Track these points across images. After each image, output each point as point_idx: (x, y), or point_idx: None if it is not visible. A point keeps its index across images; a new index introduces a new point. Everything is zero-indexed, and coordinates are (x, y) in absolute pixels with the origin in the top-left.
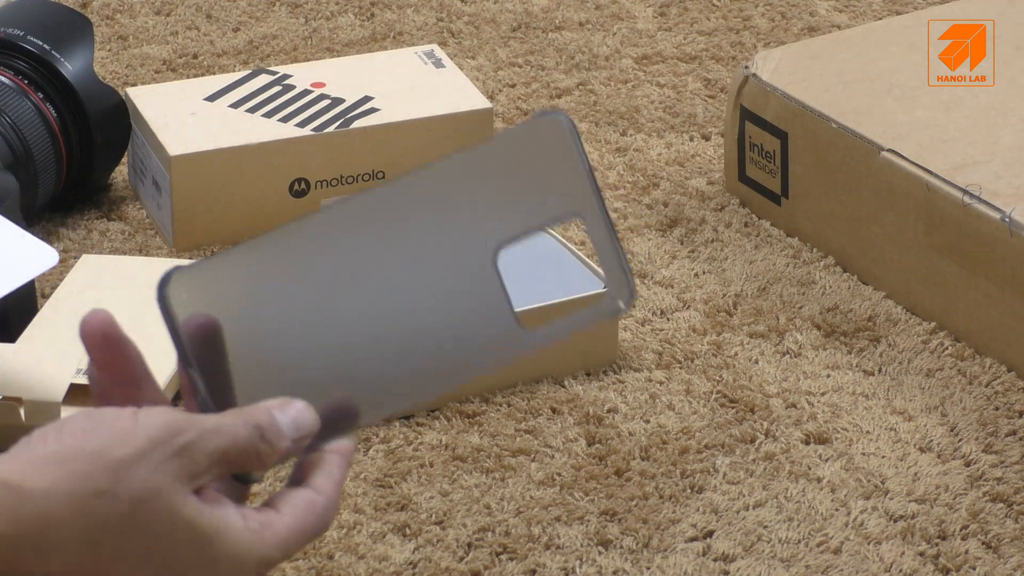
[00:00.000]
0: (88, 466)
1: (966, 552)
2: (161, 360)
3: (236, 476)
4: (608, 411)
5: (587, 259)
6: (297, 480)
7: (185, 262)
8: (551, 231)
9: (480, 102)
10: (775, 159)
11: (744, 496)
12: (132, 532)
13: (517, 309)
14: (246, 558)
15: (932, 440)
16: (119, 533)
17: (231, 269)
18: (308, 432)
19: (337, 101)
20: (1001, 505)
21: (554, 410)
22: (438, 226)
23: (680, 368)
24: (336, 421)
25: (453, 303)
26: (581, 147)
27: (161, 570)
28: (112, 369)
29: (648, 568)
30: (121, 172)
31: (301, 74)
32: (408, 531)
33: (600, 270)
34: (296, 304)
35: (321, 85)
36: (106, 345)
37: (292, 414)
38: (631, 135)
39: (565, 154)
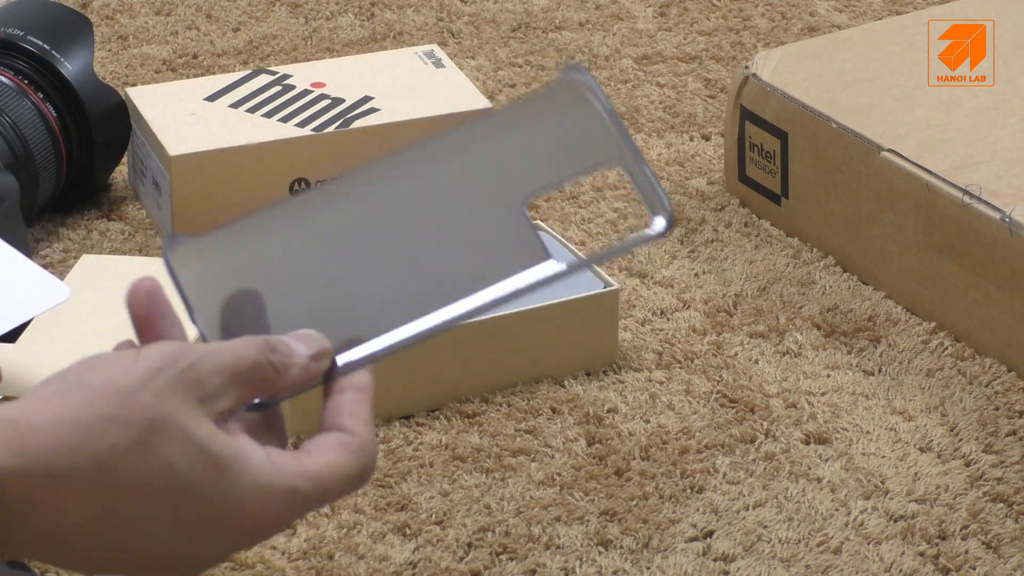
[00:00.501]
0: (92, 395)
1: (966, 552)
2: None
3: (259, 405)
4: (608, 411)
5: (587, 259)
6: (322, 428)
7: None
8: (551, 231)
9: (480, 102)
10: (775, 159)
11: (744, 496)
12: (145, 458)
13: (516, 309)
14: (271, 487)
15: (932, 440)
16: (131, 459)
17: (238, 231)
18: (320, 349)
19: (337, 101)
20: (1001, 505)
21: (554, 410)
22: (465, 179)
23: (680, 368)
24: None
25: (480, 241)
26: (603, 96)
27: (179, 499)
28: (151, 328)
29: (648, 568)
30: (121, 172)
31: (301, 74)
32: (408, 531)
33: (600, 270)
34: (306, 254)
35: (321, 85)
36: (151, 302)
37: (301, 337)
38: (631, 135)
39: (588, 107)
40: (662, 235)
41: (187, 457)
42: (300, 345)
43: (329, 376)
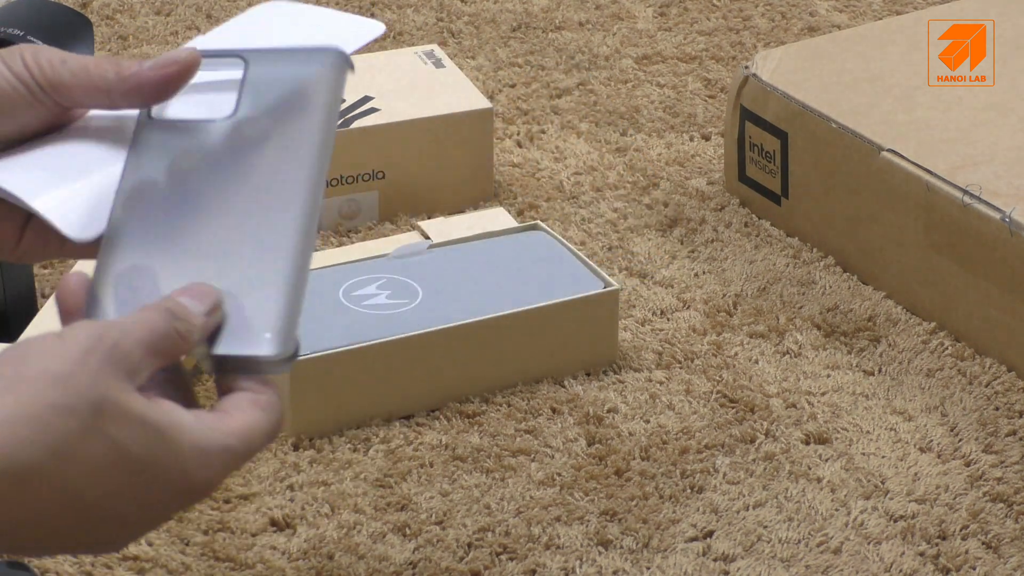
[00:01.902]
0: (34, 387)
1: (966, 552)
2: None
3: (174, 371)
4: (608, 411)
5: (587, 259)
6: (224, 392)
7: None
8: (551, 231)
9: (480, 102)
10: (775, 159)
11: (744, 496)
12: (95, 440)
13: (516, 309)
14: (208, 448)
15: (932, 440)
16: (84, 444)
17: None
18: (212, 303)
19: None
20: (1001, 505)
21: (554, 410)
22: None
23: (680, 368)
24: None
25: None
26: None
27: (132, 475)
28: (78, 315)
29: (648, 568)
30: None
31: None
32: (408, 531)
33: (600, 270)
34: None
35: None
36: (80, 292)
37: (193, 292)
38: (631, 135)
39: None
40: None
41: (131, 432)
42: (195, 303)
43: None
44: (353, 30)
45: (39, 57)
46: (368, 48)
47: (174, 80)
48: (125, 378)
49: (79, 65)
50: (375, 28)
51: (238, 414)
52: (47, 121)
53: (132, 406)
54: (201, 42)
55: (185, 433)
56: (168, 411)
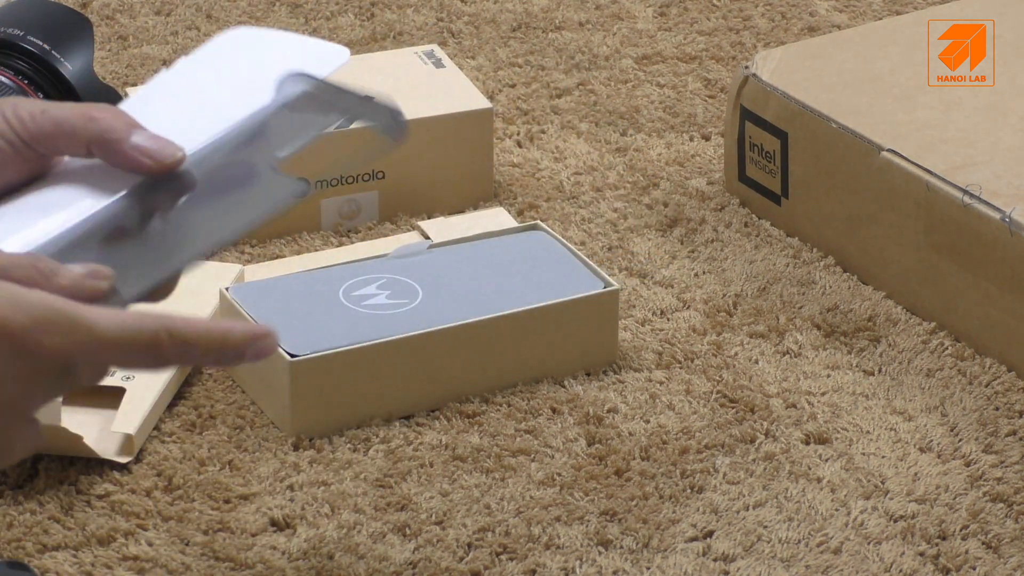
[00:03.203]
0: None
1: (966, 552)
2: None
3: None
4: (608, 411)
5: (587, 259)
6: None
7: None
8: (551, 231)
9: (480, 102)
10: (775, 159)
11: (744, 496)
12: None
13: (516, 309)
14: (28, 299)
15: (932, 440)
16: None
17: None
18: (96, 269)
19: None
20: (1001, 505)
21: (554, 410)
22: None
23: (680, 368)
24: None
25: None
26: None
27: None
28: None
29: (648, 568)
30: None
31: None
32: (408, 531)
33: (600, 270)
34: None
35: None
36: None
37: (82, 264)
38: (631, 135)
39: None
40: (398, 142)
41: None
42: (76, 266)
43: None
44: (319, 56)
45: (19, 111)
46: (368, 48)
47: (147, 171)
48: None
49: (61, 115)
50: (341, 55)
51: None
52: (29, 172)
53: None
54: (171, 73)
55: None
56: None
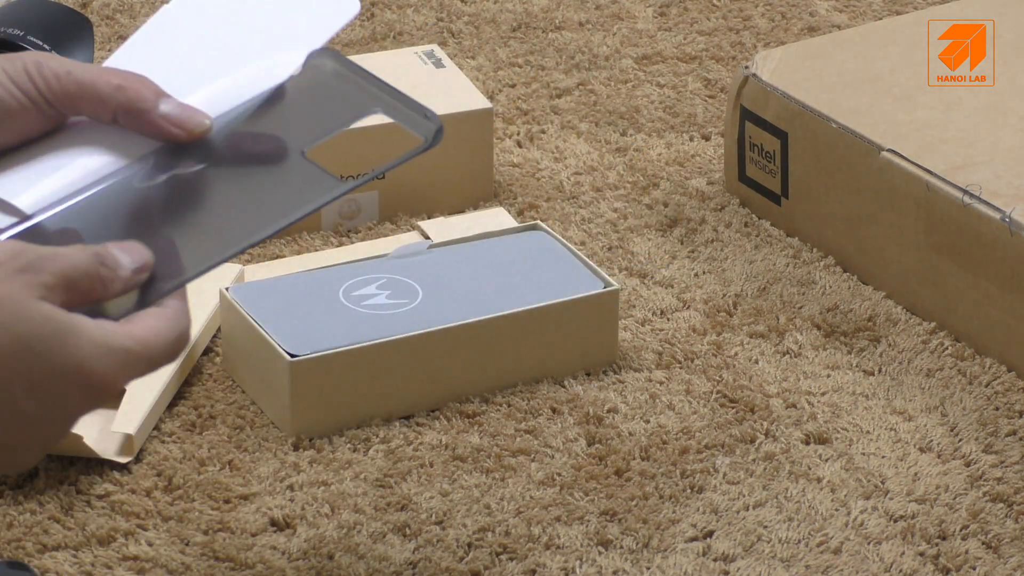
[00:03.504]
0: None
1: (966, 552)
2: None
3: (89, 311)
4: (608, 411)
5: (587, 259)
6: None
7: None
8: (551, 231)
9: (480, 102)
10: (775, 159)
11: (744, 496)
12: None
13: (516, 309)
14: (107, 347)
15: (932, 440)
16: None
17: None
18: (143, 262)
19: None
20: (1001, 505)
21: (554, 410)
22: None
23: (680, 368)
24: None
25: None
26: (345, 59)
27: (28, 360)
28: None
29: (648, 568)
30: None
31: None
32: (408, 531)
33: (600, 270)
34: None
35: None
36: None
37: (126, 247)
38: (631, 135)
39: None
40: (430, 146)
41: (29, 324)
42: (125, 256)
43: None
44: (329, 9)
45: (43, 70)
46: (368, 48)
47: (174, 139)
48: (33, 291)
49: (87, 79)
50: (351, 7)
51: (139, 321)
52: (44, 127)
53: (33, 306)
54: (168, 15)
55: (85, 331)
56: (71, 317)
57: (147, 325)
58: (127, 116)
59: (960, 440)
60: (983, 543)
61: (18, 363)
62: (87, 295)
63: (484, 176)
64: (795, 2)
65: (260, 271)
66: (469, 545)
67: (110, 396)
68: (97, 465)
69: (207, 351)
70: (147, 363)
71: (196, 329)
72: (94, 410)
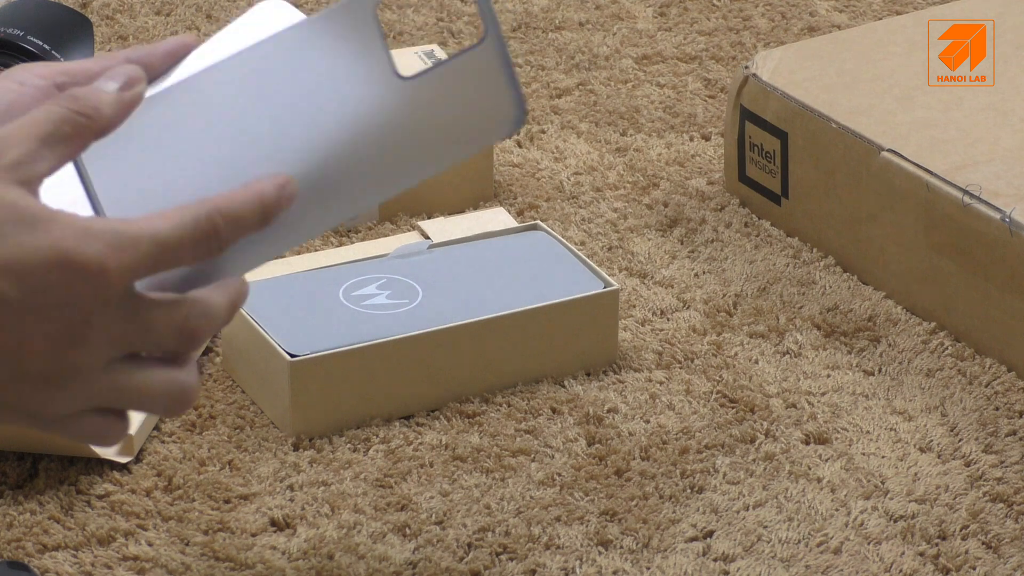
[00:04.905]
0: None
1: (966, 552)
2: None
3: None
4: (608, 411)
5: (587, 259)
6: None
7: None
8: (551, 231)
9: None
10: (775, 159)
11: (744, 496)
12: None
13: (516, 309)
14: (91, 227)
15: (932, 440)
16: None
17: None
18: (128, 77)
19: None
20: (1001, 505)
21: (554, 410)
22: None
23: (680, 368)
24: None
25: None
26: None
27: (13, 260)
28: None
29: (648, 568)
30: None
31: None
32: (408, 531)
33: (600, 270)
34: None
35: None
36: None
37: (109, 73)
38: (631, 135)
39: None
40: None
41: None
42: (106, 81)
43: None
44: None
45: (49, 65)
46: None
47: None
48: (5, 173)
49: (82, 64)
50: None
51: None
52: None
53: (5, 192)
54: (203, 49)
55: (62, 216)
56: (53, 210)
57: (148, 217)
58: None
59: (960, 440)
60: (983, 543)
61: None
62: (80, 138)
63: (484, 176)
64: (795, 2)
65: (260, 271)
66: (469, 545)
67: (111, 285)
68: (97, 465)
69: (207, 351)
70: (160, 250)
71: None
72: (100, 308)
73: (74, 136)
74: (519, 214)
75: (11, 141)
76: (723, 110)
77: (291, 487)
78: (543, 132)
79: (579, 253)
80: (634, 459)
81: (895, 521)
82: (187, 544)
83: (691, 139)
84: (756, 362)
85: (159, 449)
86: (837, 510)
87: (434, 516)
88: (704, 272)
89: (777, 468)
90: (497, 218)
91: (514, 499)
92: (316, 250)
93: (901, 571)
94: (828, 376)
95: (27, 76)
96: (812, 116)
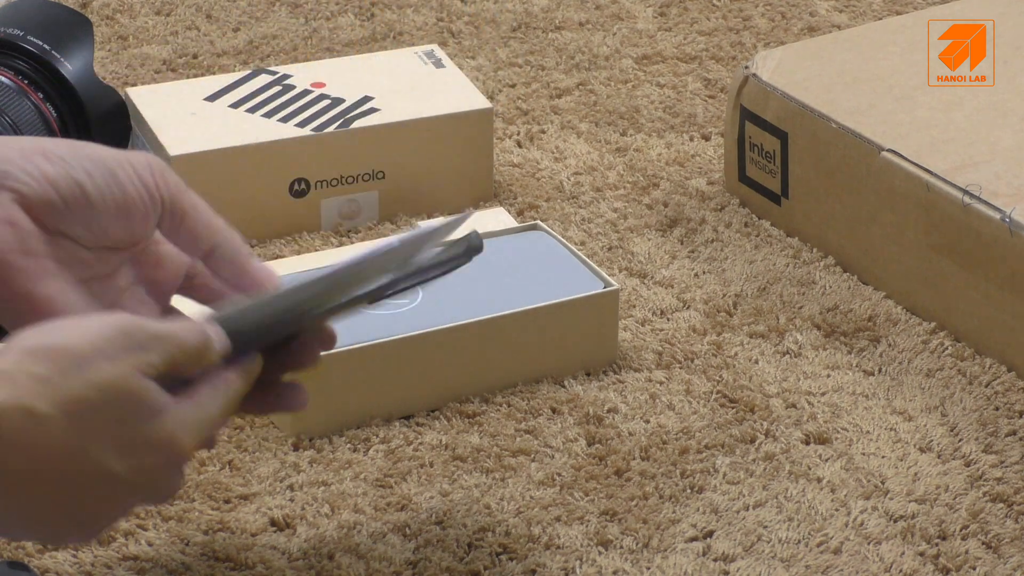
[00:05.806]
0: (53, 356)
1: (966, 552)
2: None
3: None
4: (608, 411)
5: (587, 259)
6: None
7: None
8: (551, 231)
9: (480, 102)
10: (775, 159)
11: (744, 496)
12: (104, 410)
13: (516, 309)
14: (194, 418)
15: (932, 440)
16: (93, 411)
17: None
18: (225, 350)
19: (337, 101)
20: (1001, 505)
21: (554, 410)
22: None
23: (680, 368)
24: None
25: None
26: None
27: (131, 443)
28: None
29: (648, 568)
30: None
31: (301, 74)
32: (408, 531)
33: (600, 270)
34: None
35: (321, 85)
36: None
37: (215, 331)
38: (631, 135)
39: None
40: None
41: (138, 412)
42: (219, 339)
43: None
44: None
45: (167, 175)
46: (368, 48)
47: (244, 291)
48: (139, 367)
49: (200, 203)
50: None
51: (206, 389)
52: (129, 238)
53: (137, 381)
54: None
55: (174, 408)
56: (167, 395)
57: (210, 394)
58: (221, 257)
59: (960, 440)
60: (983, 543)
61: (118, 429)
62: (184, 370)
63: (484, 176)
64: (795, 2)
65: None
66: (469, 545)
67: (183, 471)
68: None
69: None
70: (209, 420)
71: None
72: (168, 491)
73: (183, 368)
74: (519, 214)
75: (152, 347)
76: (723, 110)
77: (291, 487)
78: (543, 132)
79: (579, 253)
80: (634, 459)
81: (895, 521)
82: (187, 544)
83: (691, 139)
84: (756, 362)
85: None
86: (837, 510)
87: (434, 516)
88: (704, 272)
89: (777, 468)
90: (497, 218)
91: (514, 499)
92: (316, 250)
93: (901, 571)
94: (828, 376)
95: (147, 176)
96: (812, 116)
